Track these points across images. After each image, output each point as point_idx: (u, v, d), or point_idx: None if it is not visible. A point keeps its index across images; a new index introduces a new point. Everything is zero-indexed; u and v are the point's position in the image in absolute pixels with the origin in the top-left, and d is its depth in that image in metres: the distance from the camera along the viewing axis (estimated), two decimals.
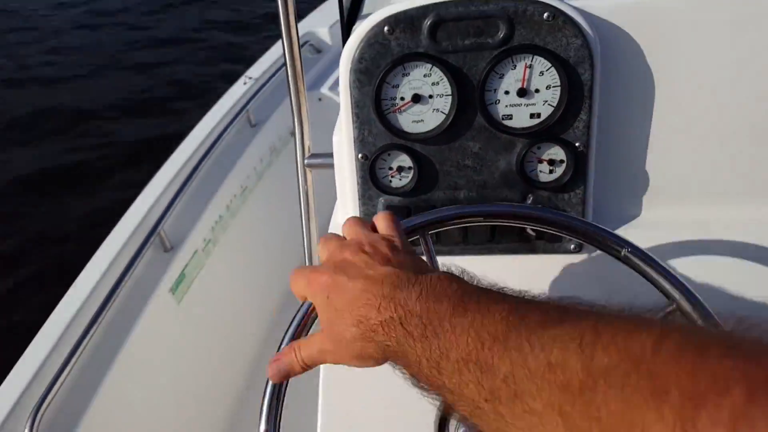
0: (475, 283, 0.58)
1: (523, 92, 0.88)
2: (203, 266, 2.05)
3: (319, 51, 2.94)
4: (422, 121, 0.92)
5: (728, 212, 1.00)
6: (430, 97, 0.90)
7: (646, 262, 0.75)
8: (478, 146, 0.93)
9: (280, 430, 0.65)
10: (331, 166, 1.07)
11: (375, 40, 0.88)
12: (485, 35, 0.87)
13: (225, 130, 2.30)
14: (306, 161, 1.13)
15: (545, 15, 0.85)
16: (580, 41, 0.86)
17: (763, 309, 0.93)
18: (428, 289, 0.53)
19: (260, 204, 2.40)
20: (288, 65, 1.05)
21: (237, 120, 2.37)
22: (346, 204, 1.04)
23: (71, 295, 1.64)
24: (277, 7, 1.01)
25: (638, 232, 0.96)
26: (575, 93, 0.88)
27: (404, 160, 0.95)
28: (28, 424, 1.32)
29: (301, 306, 0.69)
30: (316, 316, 0.66)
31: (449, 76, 0.88)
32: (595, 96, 0.89)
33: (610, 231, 0.78)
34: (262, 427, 0.64)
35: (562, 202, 0.96)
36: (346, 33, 1.12)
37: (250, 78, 2.64)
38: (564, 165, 0.93)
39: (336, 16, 3.25)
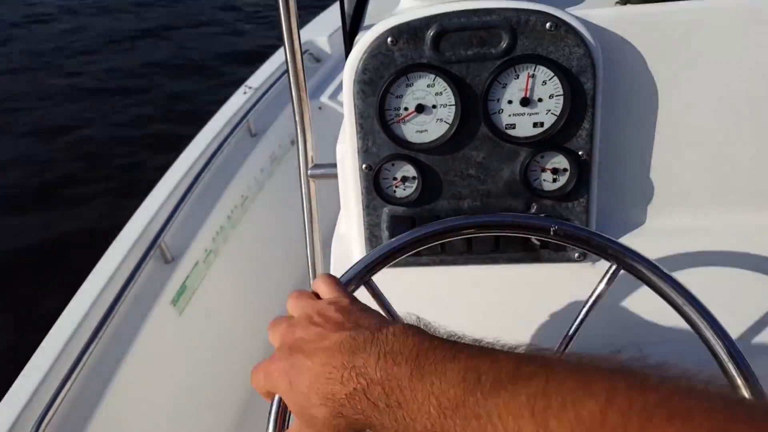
0: (431, 332, 0.57)
1: (526, 102, 0.89)
2: (204, 277, 2.04)
3: (318, 60, 2.95)
4: (426, 131, 0.92)
5: (732, 220, 1.00)
6: (434, 107, 0.90)
7: (573, 237, 0.77)
8: (482, 156, 0.94)
9: None
10: (335, 176, 1.07)
11: (378, 51, 0.88)
12: (488, 45, 0.87)
13: (225, 140, 2.30)
14: (309, 172, 1.13)
15: (548, 25, 0.85)
16: (583, 50, 0.86)
17: (765, 317, 0.93)
18: (386, 349, 0.53)
19: (261, 214, 2.40)
20: (291, 75, 1.06)
21: (237, 130, 2.37)
22: (350, 214, 1.04)
23: (72, 308, 1.64)
24: (279, 17, 1.01)
25: (642, 240, 0.96)
26: (578, 102, 0.88)
27: (408, 170, 0.95)
28: None
29: (271, 404, 0.66)
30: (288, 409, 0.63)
31: (452, 86, 0.88)
32: (597, 105, 0.89)
33: (536, 216, 0.78)
34: None
35: (566, 210, 0.96)
36: (348, 44, 1.12)
37: (250, 87, 2.64)
38: (567, 174, 0.93)
39: (334, 25, 3.27)
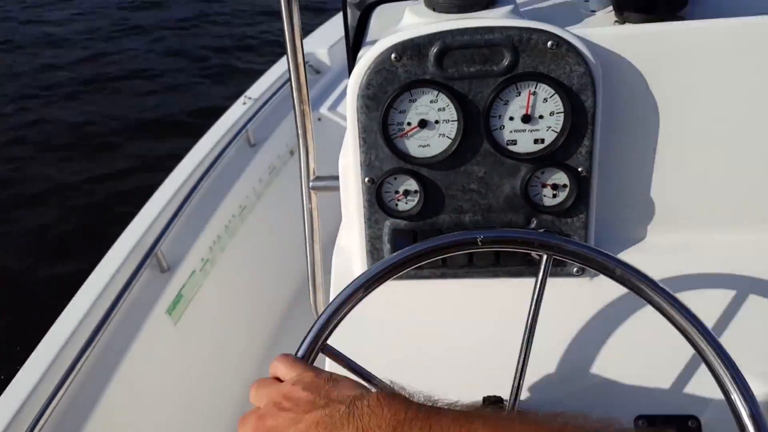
0: (407, 396, 0.57)
1: (527, 118, 0.90)
2: (200, 287, 2.04)
3: (318, 72, 2.96)
4: (428, 145, 0.93)
5: (730, 237, 1.01)
6: (437, 122, 0.91)
7: (499, 241, 0.78)
8: (483, 171, 0.95)
9: None
10: (337, 188, 1.07)
11: (382, 67, 0.89)
12: (490, 63, 0.88)
13: (224, 149, 2.30)
14: (311, 184, 1.14)
15: (549, 43, 0.86)
16: (583, 69, 0.87)
17: (762, 332, 0.94)
18: (362, 424, 0.53)
19: (259, 224, 2.40)
20: (293, 89, 1.07)
21: (236, 140, 2.38)
22: (351, 227, 1.05)
23: (67, 315, 1.63)
24: (282, 31, 1.02)
25: (641, 256, 0.97)
26: (578, 119, 0.90)
27: (410, 184, 0.96)
28: None
29: None
30: None
31: (455, 102, 0.89)
32: (597, 122, 0.91)
33: (460, 233, 0.79)
34: None
35: (565, 226, 0.97)
36: (351, 58, 1.13)
37: (250, 98, 2.66)
38: (567, 190, 0.94)
39: (334, 37, 3.28)
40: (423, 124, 0.91)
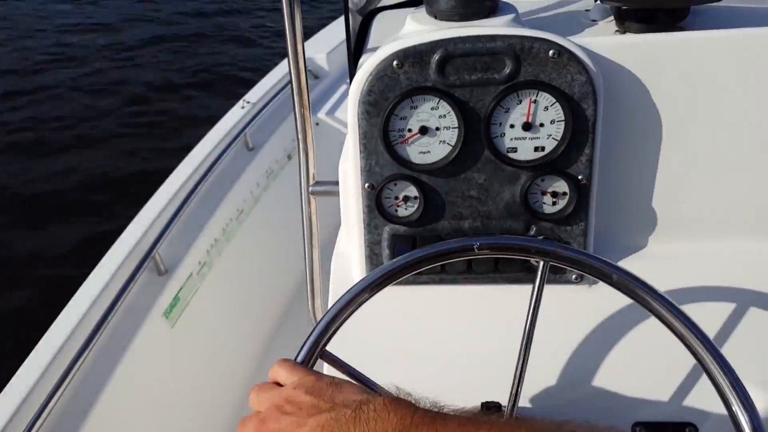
0: (412, 401, 0.57)
1: (528, 126, 0.90)
2: (197, 290, 2.04)
3: (317, 77, 2.97)
4: (429, 152, 0.93)
5: (729, 246, 1.02)
6: (437, 129, 0.92)
7: (496, 248, 0.78)
8: (483, 178, 0.95)
9: None
10: (336, 194, 1.08)
11: (384, 74, 0.90)
12: (492, 71, 0.89)
13: (222, 153, 2.31)
14: (310, 189, 1.14)
15: (550, 52, 0.87)
16: (584, 77, 0.88)
17: (762, 341, 0.95)
18: (368, 430, 0.53)
19: (256, 228, 2.41)
20: (294, 94, 1.07)
21: (234, 144, 2.38)
22: (350, 232, 1.05)
23: (64, 318, 1.63)
24: (285, 38, 1.03)
25: (640, 264, 0.97)
26: (579, 128, 0.90)
27: (410, 190, 0.96)
28: None
29: None
30: None
31: (456, 109, 0.90)
32: (597, 131, 0.91)
33: (457, 239, 0.79)
34: None
35: (565, 233, 0.98)
36: (353, 65, 1.14)
37: (248, 102, 2.66)
38: (567, 197, 0.95)
39: (333, 42, 3.29)
40: (424, 130, 0.92)
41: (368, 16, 1.28)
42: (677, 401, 0.91)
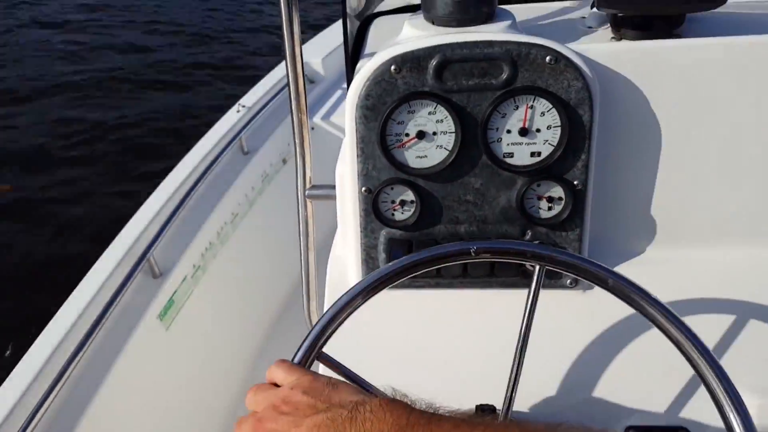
0: (408, 402, 0.58)
1: (524, 132, 0.91)
2: (192, 293, 2.04)
3: (312, 82, 2.97)
4: (426, 156, 0.94)
5: (725, 252, 1.03)
6: (434, 134, 0.92)
7: (492, 251, 0.79)
8: (480, 182, 0.96)
9: None
10: (333, 197, 1.08)
11: (382, 78, 0.90)
12: (489, 76, 0.89)
13: (218, 157, 2.31)
14: (307, 192, 1.15)
15: (547, 58, 0.88)
16: (581, 83, 0.88)
17: (755, 346, 0.95)
18: (364, 430, 0.53)
19: (251, 231, 2.40)
20: (292, 98, 1.08)
21: (230, 147, 2.38)
22: (347, 236, 1.05)
23: (58, 319, 1.63)
24: (282, 39, 1.03)
25: (635, 269, 0.98)
26: (575, 133, 0.91)
27: (407, 194, 0.97)
28: None
29: None
30: None
31: (453, 114, 0.90)
32: (593, 137, 0.92)
33: (456, 243, 0.80)
34: None
35: (560, 238, 0.98)
36: (350, 69, 1.14)
37: (243, 106, 2.66)
38: (563, 203, 0.96)
39: (328, 47, 3.29)
40: (421, 135, 0.92)
41: (366, 21, 1.29)
42: (670, 405, 0.91)
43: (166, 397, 1.88)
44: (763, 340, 0.96)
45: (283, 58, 1.06)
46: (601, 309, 0.99)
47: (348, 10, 1.23)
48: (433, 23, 0.96)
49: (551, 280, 1.01)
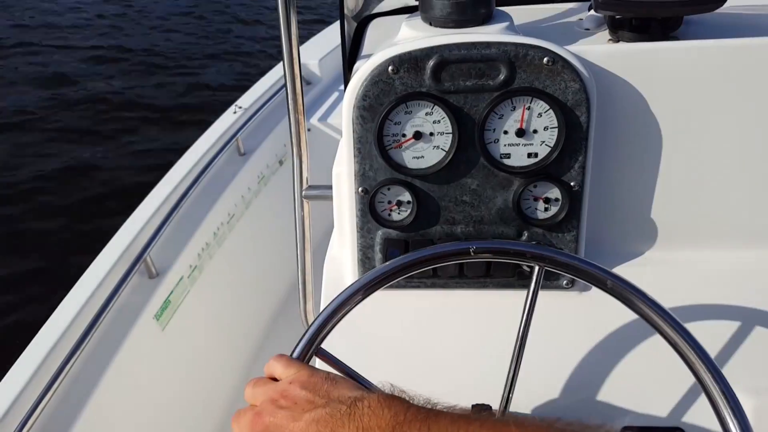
0: (407, 398, 0.58)
1: (521, 133, 0.91)
2: (188, 293, 2.04)
3: (309, 83, 2.98)
4: (423, 157, 0.94)
5: (721, 253, 1.04)
6: (431, 134, 0.93)
7: (491, 251, 0.79)
8: (476, 183, 0.96)
9: None
10: (329, 198, 1.08)
11: (379, 79, 0.91)
12: (486, 77, 0.90)
13: (214, 158, 2.31)
14: (304, 192, 1.15)
15: (545, 59, 0.88)
16: (578, 85, 0.89)
17: (751, 347, 0.96)
18: (363, 424, 0.54)
19: (247, 232, 2.41)
20: (289, 99, 1.08)
21: (226, 148, 2.38)
22: (343, 236, 1.06)
23: (54, 320, 1.63)
24: (280, 44, 1.04)
25: (630, 270, 0.99)
26: (572, 134, 0.91)
27: (404, 194, 0.97)
28: None
29: None
30: None
31: (450, 115, 0.91)
32: (590, 138, 0.92)
33: (456, 243, 0.80)
34: None
35: (556, 239, 0.99)
36: (347, 70, 1.15)
37: (240, 107, 2.66)
38: (559, 204, 0.96)
39: (325, 49, 3.29)
40: (418, 136, 0.93)
41: (363, 21, 1.29)
42: (667, 406, 0.92)
43: (162, 397, 1.88)
44: (758, 341, 0.96)
45: (281, 58, 1.06)
46: (597, 310, 0.99)
47: (345, 11, 1.24)
48: (430, 24, 0.96)
49: (548, 281, 1.01)
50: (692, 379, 0.71)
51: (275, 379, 0.66)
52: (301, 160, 1.14)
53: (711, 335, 0.96)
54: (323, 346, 0.74)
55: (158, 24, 8.64)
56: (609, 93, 0.94)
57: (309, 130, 2.72)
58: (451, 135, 0.92)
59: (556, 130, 0.91)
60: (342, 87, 1.57)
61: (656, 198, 1.02)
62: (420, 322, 1.03)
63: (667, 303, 0.75)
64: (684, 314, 0.97)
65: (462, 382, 0.95)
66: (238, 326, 2.32)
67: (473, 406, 0.84)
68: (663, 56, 0.93)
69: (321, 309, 0.77)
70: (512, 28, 0.94)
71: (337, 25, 1.23)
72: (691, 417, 0.90)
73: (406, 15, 1.04)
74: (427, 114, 0.92)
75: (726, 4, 0.91)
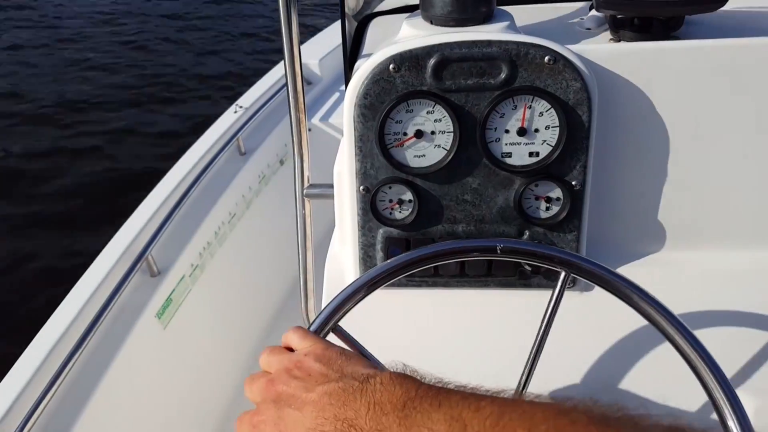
0: (418, 377, 0.58)
1: (522, 131, 0.91)
2: (190, 292, 2.04)
3: (309, 83, 2.98)
4: (424, 156, 0.94)
5: (722, 253, 1.04)
6: (433, 133, 0.93)
7: (518, 252, 0.80)
8: (478, 182, 0.96)
9: None
10: (330, 196, 1.09)
11: (380, 77, 0.91)
12: (488, 76, 0.90)
13: (215, 157, 2.31)
14: (305, 191, 1.15)
15: (546, 58, 0.88)
16: (580, 84, 0.89)
17: (753, 349, 0.96)
18: (374, 399, 0.54)
19: (248, 231, 2.41)
20: (290, 98, 1.08)
21: (227, 148, 2.38)
22: (345, 234, 1.06)
23: (56, 319, 1.63)
24: (281, 42, 1.04)
25: (632, 270, 0.99)
26: (573, 134, 0.91)
27: (405, 193, 0.97)
28: None
29: None
30: None
31: (451, 113, 0.91)
32: (592, 137, 0.92)
33: (478, 239, 0.80)
34: None
35: (558, 238, 0.99)
36: (348, 69, 1.15)
37: (241, 107, 2.66)
38: (560, 203, 0.96)
39: (326, 48, 3.29)
40: (419, 134, 0.93)
41: (364, 20, 1.29)
42: (668, 405, 0.92)
43: (163, 395, 1.88)
44: (760, 342, 0.96)
45: (282, 55, 1.06)
46: (597, 310, 0.99)
47: (346, 10, 1.24)
48: (431, 23, 0.96)
49: (548, 280, 1.01)
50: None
51: (291, 350, 0.67)
52: (302, 159, 1.15)
53: (713, 335, 0.96)
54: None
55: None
56: (610, 92, 0.94)
57: (309, 129, 2.73)
58: (452, 134, 0.92)
59: (558, 129, 0.91)
60: (343, 87, 1.58)
61: (657, 198, 1.02)
62: (420, 321, 1.03)
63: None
64: (685, 314, 0.97)
65: (462, 381, 0.95)
66: (240, 325, 2.32)
67: None
68: (664, 56, 0.93)
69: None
70: (513, 27, 0.95)
71: (337, 24, 1.24)
72: (694, 418, 0.90)
73: (407, 14, 1.04)
74: (428, 112, 0.92)
75: (728, 5, 0.91)
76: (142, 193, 2.14)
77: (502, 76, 0.89)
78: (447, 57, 0.89)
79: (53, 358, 1.50)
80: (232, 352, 2.25)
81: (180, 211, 2.05)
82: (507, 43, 0.88)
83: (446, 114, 0.91)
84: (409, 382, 0.55)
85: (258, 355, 0.69)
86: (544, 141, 0.92)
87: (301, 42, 1.09)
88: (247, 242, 2.40)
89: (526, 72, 0.89)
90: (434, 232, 1.00)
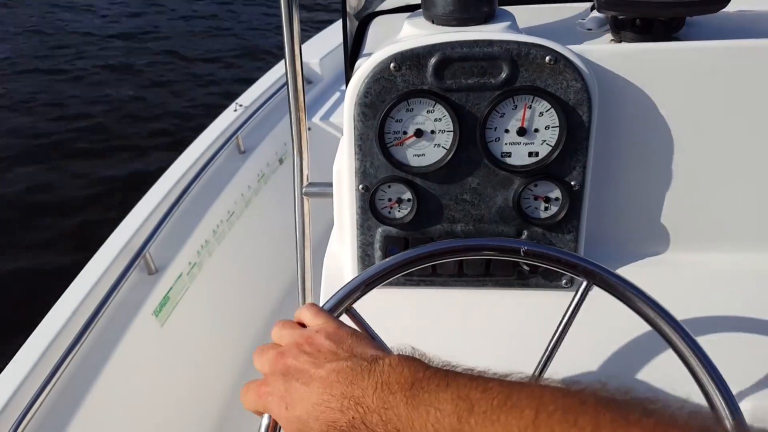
0: (426, 361, 0.58)
1: (522, 131, 0.91)
2: (187, 290, 2.04)
3: (309, 82, 2.98)
4: (423, 155, 0.94)
5: (724, 254, 1.04)
6: (432, 132, 0.93)
7: (543, 257, 0.79)
8: (477, 182, 0.96)
9: None
10: (329, 195, 1.08)
11: (381, 76, 0.91)
12: (488, 75, 0.90)
13: (214, 155, 2.31)
14: (304, 190, 1.15)
15: (547, 58, 0.88)
16: (580, 84, 0.89)
17: (749, 350, 0.96)
18: (382, 379, 0.54)
19: (246, 230, 2.41)
20: (291, 97, 1.08)
21: (226, 146, 2.38)
22: (343, 233, 1.06)
23: (53, 316, 1.62)
24: (282, 40, 1.04)
25: (630, 271, 0.98)
26: (573, 134, 0.91)
27: (404, 192, 0.97)
28: None
29: (261, 422, 0.65)
30: (278, 426, 0.64)
31: (452, 113, 0.91)
32: (592, 137, 0.92)
33: (507, 239, 0.80)
34: None
35: (556, 238, 0.99)
36: (349, 68, 1.15)
37: (241, 105, 2.66)
38: (559, 203, 0.96)
39: (326, 48, 3.29)
40: (419, 133, 0.93)
41: (365, 20, 1.29)
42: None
43: (161, 393, 1.88)
44: (760, 342, 0.96)
45: (282, 54, 1.06)
46: (597, 309, 0.99)
47: (348, 9, 1.24)
48: (432, 22, 0.96)
49: (547, 281, 1.01)
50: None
51: (303, 326, 0.67)
52: (301, 158, 1.14)
53: (710, 335, 0.96)
54: None
55: None
56: (611, 93, 0.94)
57: (309, 129, 2.73)
58: (452, 133, 0.92)
59: (558, 129, 0.91)
60: (343, 86, 1.58)
61: (657, 199, 1.02)
62: (417, 320, 1.03)
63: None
64: (684, 314, 0.97)
65: None
66: (237, 323, 2.32)
67: None
68: (665, 57, 0.93)
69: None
70: (514, 27, 0.94)
71: (338, 24, 1.24)
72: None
73: (408, 13, 1.04)
74: (428, 112, 0.92)
75: (729, 6, 0.91)
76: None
77: (503, 75, 0.89)
78: (448, 56, 0.89)
79: (50, 355, 1.50)
80: (230, 350, 2.25)
81: (178, 209, 2.04)
82: (508, 42, 0.88)
83: (446, 113, 0.91)
84: (417, 364, 0.55)
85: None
86: (544, 141, 0.92)
87: (302, 41, 1.09)
88: (245, 241, 2.40)
89: (526, 72, 0.89)
90: (433, 232, 1.00)
